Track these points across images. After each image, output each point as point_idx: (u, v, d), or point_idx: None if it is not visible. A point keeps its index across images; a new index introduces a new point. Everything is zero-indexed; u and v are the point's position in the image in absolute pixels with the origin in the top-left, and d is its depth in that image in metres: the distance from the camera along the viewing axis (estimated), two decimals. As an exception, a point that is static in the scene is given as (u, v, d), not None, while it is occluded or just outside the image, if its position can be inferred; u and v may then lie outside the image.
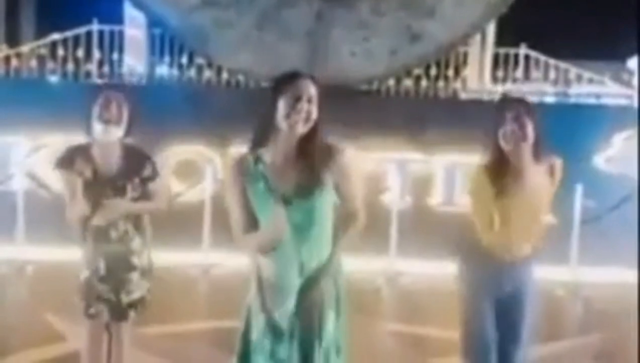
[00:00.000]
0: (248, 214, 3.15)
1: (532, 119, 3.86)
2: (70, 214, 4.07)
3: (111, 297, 4.14)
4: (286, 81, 3.16)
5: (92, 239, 4.12)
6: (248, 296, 3.23)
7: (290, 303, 3.13)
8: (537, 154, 3.91)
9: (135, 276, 4.18)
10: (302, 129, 3.12)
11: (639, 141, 9.63)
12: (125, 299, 4.17)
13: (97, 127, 4.03)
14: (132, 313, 4.23)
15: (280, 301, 3.14)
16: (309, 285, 3.14)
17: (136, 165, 4.17)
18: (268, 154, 3.17)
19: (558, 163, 4.00)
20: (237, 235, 3.18)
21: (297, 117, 3.09)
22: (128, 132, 4.14)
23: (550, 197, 4.03)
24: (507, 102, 4.11)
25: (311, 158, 3.13)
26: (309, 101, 3.12)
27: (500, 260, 3.93)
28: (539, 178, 3.93)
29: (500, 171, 3.88)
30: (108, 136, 4.05)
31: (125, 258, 4.17)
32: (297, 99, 3.10)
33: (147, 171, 4.18)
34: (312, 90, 3.14)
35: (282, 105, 3.11)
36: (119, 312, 4.19)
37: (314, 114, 3.13)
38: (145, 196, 4.18)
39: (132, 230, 4.18)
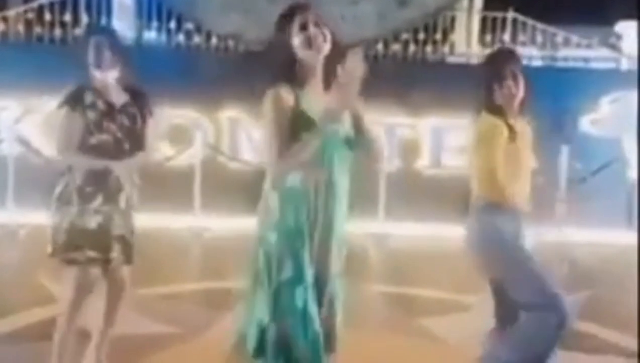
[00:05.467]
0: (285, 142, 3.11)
1: (523, 73, 3.95)
2: (61, 154, 4.08)
3: (99, 234, 4.10)
4: (287, 18, 3.18)
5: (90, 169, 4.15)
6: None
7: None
8: (523, 108, 3.99)
9: (120, 210, 4.21)
10: (325, 50, 3.16)
11: (639, 103, 9.71)
12: (113, 232, 4.15)
13: (94, 73, 4.10)
14: (114, 252, 4.16)
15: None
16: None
17: (138, 98, 4.25)
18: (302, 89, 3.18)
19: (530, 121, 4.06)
20: (273, 159, 3.12)
21: (316, 43, 3.14)
22: (124, 73, 4.20)
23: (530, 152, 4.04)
24: (503, 57, 4.11)
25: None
26: (316, 25, 3.16)
27: (509, 208, 3.94)
28: (523, 131, 4.00)
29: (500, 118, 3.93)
30: (106, 79, 4.13)
31: (118, 188, 4.20)
32: (304, 27, 3.15)
33: (147, 106, 4.27)
34: (313, 15, 3.18)
35: (296, 40, 3.15)
36: (105, 248, 4.12)
37: (328, 34, 3.18)
38: (140, 138, 4.24)
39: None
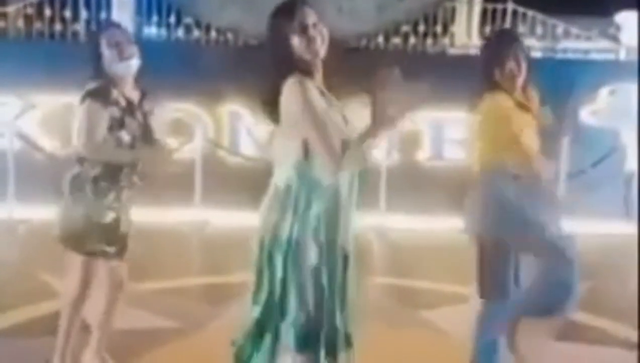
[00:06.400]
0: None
1: (525, 54, 3.95)
2: (87, 149, 4.02)
3: (111, 229, 4.14)
4: (286, 16, 3.14)
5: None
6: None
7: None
8: (526, 86, 3.99)
9: (125, 208, 4.24)
10: (323, 53, 3.16)
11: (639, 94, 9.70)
12: (122, 229, 4.20)
13: (120, 66, 4.07)
14: (116, 247, 4.20)
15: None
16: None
17: (147, 95, 4.27)
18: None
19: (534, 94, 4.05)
20: (336, 156, 3.06)
21: (315, 45, 3.12)
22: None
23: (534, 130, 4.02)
24: (504, 39, 4.11)
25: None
26: (315, 26, 3.14)
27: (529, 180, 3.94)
28: (529, 101, 4.01)
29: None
30: (130, 70, 4.13)
31: (125, 185, 4.21)
32: (304, 29, 3.12)
33: (152, 103, 4.29)
34: (312, 15, 3.15)
35: (295, 41, 3.12)
36: (112, 243, 4.17)
37: (326, 35, 3.17)
38: (149, 136, 4.25)
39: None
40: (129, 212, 4.28)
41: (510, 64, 3.91)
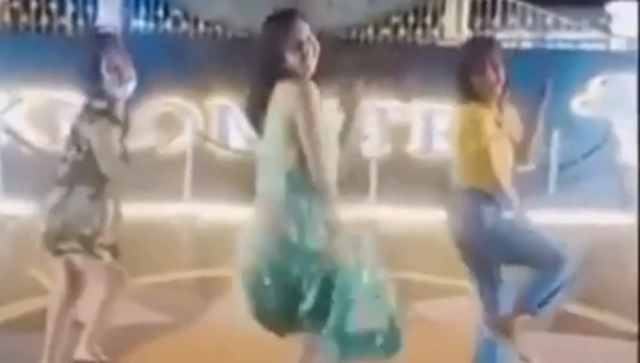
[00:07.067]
0: None
1: (504, 61, 3.88)
2: (109, 169, 4.01)
3: (90, 240, 4.09)
4: (282, 28, 3.17)
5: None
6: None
7: None
8: (505, 92, 3.92)
9: (109, 226, 4.21)
10: (314, 66, 3.19)
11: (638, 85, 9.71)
12: (104, 242, 4.15)
13: (119, 90, 4.05)
14: (105, 257, 4.17)
15: None
16: None
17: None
18: None
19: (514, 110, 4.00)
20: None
21: (308, 60, 3.15)
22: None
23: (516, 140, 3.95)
24: (481, 47, 4.03)
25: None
26: (309, 39, 3.17)
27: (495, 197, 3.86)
28: (508, 113, 3.95)
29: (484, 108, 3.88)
30: (127, 93, 4.11)
31: (110, 207, 4.19)
32: (299, 45, 3.14)
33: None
34: (306, 29, 3.18)
35: (290, 57, 3.14)
36: (92, 251, 4.13)
37: (317, 47, 3.19)
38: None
39: None
40: (116, 225, 4.21)
41: (489, 72, 3.83)
